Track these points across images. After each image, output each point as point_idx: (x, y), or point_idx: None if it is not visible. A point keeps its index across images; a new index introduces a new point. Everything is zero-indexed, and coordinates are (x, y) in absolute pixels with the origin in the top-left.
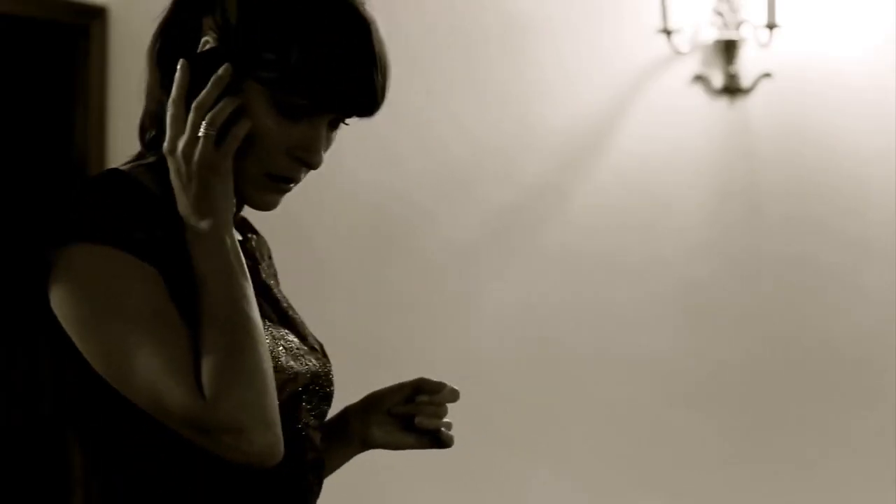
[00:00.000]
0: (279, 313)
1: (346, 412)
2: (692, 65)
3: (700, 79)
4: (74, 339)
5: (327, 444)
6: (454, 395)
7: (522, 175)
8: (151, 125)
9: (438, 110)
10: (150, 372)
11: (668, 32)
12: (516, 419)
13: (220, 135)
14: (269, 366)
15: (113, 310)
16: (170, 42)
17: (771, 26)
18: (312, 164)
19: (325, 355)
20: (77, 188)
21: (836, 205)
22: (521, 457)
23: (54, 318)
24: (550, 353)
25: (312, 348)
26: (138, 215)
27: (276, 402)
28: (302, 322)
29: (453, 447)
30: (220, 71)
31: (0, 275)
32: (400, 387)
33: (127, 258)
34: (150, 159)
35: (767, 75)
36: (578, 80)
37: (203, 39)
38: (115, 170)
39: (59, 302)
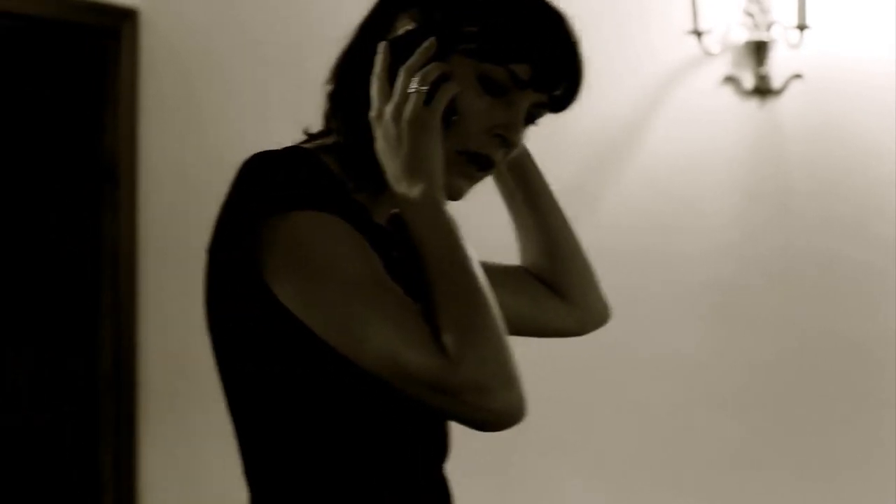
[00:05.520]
0: None
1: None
2: (722, 66)
3: (730, 80)
4: (296, 308)
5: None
6: None
7: (551, 177)
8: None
9: None
10: (385, 336)
11: (698, 34)
12: (542, 421)
13: (428, 95)
14: (501, 323)
15: (336, 275)
16: (359, 58)
17: (801, 27)
18: (512, 140)
19: None
20: (265, 164)
21: (865, 206)
22: (547, 458)
23: (253, 290)
24: (578, 355)
25: None
26: (330, 190)
27: (515, 360)
28: None
29: (479, 448)
30: (426, 43)
31: (227, 253)
32: None
33: (341, 223)
34: (329, 141)
35: (798, 76)
36: (608, 82)
37: (402, 26)
38: (300, 147)
39: (277, 271)
